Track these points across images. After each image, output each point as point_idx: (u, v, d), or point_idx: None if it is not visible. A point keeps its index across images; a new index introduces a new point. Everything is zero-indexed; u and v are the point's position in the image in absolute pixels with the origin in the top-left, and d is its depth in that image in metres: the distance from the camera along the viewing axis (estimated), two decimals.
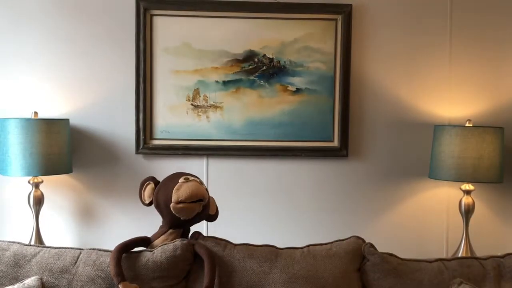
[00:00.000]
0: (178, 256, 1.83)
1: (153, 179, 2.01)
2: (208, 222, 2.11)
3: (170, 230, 1.95)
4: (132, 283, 1.77)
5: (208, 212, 1.99)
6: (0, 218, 2.67)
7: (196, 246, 1.88)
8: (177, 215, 1.88)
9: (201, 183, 1.94)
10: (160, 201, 1.92)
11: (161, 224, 2.01)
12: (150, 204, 1.99)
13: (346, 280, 1.84)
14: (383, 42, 2.72)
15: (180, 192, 1.86)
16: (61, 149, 2.45)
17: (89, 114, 2.67)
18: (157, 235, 1.98)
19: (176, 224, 1.93)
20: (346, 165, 2.74)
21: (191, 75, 2.68)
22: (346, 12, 2.66)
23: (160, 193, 1.93)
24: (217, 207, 2.07)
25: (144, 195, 2.00)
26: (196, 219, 1.95)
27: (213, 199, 2.07)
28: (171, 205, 1.86)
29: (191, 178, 1.92)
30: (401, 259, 1.93)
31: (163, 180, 1.99)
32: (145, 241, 1.98)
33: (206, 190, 1.95)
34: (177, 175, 1.96)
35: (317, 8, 2.66)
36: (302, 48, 2.69)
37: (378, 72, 2.72)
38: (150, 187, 1.99)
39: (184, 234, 1.98)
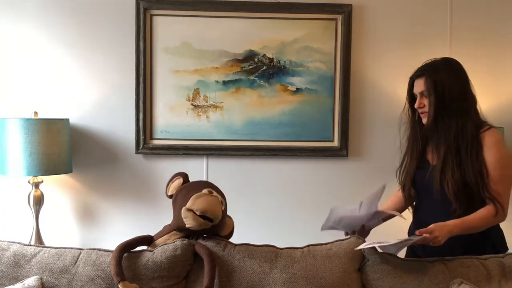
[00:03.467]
0: (178, 256, 1.83)
1: (185, 176, 2.01)
2: None
3: (174, 231, 1.95)
4: (132, 283, 1.76)
5: (217, 231, 1.97)
6: (0, 218, 2.68)
7: (196, 246, 1.87)
8: (183, 220, 1.87)
9: (221, 203, 1.93)
10: (178, 199, 1.93)
11: (164, 225, 2.01)
12: (171, 197, 2.00)
13: (346, 280, 1.84)
14: (383, 42, 2.72)
15: (197, 201, 1.85)
16: (61, 149, 2.45)
17: (89, 114, 2.67)
18: (161, 234, 1.98)
19: (181, 228, 1.92)
20: (346, 165, 2.74)
21: (191, 75, 2.68)
22: (346, 12, 2.66)
23: (182, 192, 1.93)
24: (233, 229, 2.03)
25: (170, 187, 2.01)
26: (203, 232, 1.94)
27: (232, 221, 2.03)
28: (183, 208, 1.86)
29: (214, 193, 1.92)
30: (401, 259, 1.93)
31: (191, 182, 1.99)
32: (147, 240, 1.97)
33: (224, 211, 1.93)
34: (205, 184, 1.96)
35: (317, 8, 2.66)
36: (302, 48, 2.68)
37: (378, 72, 2.72)
38: (178, 181, 1.99)
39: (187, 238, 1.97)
